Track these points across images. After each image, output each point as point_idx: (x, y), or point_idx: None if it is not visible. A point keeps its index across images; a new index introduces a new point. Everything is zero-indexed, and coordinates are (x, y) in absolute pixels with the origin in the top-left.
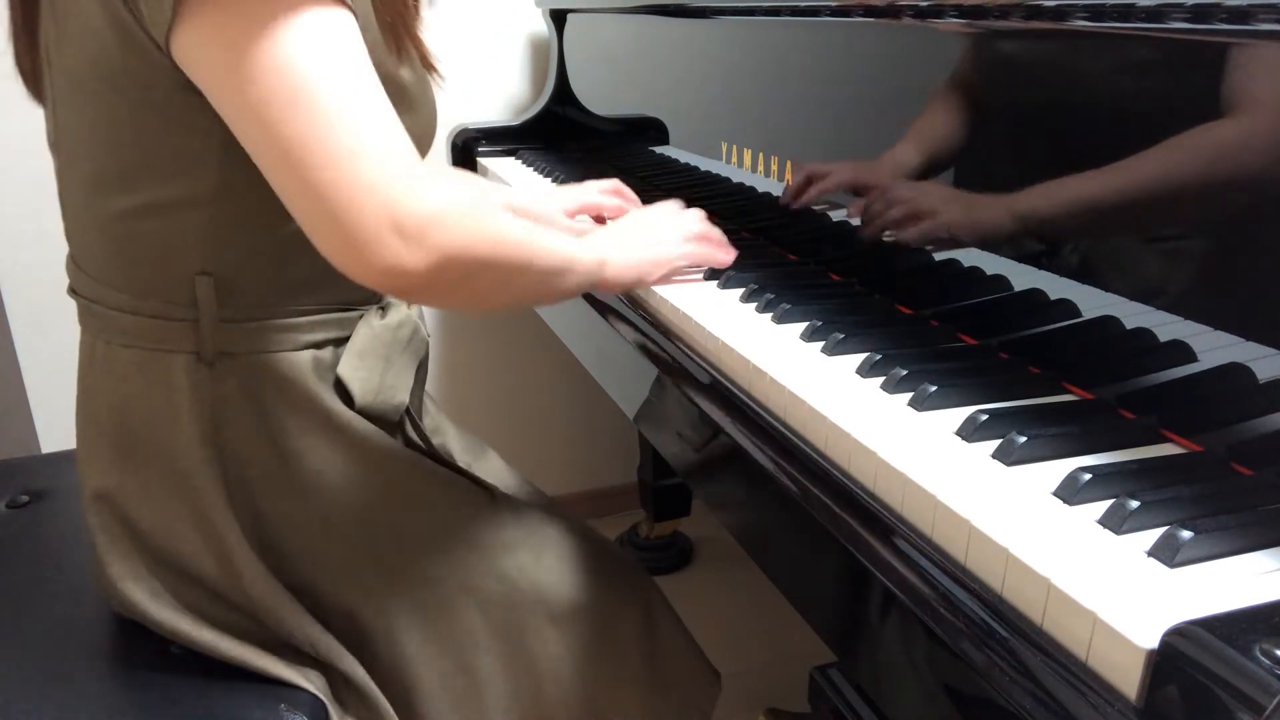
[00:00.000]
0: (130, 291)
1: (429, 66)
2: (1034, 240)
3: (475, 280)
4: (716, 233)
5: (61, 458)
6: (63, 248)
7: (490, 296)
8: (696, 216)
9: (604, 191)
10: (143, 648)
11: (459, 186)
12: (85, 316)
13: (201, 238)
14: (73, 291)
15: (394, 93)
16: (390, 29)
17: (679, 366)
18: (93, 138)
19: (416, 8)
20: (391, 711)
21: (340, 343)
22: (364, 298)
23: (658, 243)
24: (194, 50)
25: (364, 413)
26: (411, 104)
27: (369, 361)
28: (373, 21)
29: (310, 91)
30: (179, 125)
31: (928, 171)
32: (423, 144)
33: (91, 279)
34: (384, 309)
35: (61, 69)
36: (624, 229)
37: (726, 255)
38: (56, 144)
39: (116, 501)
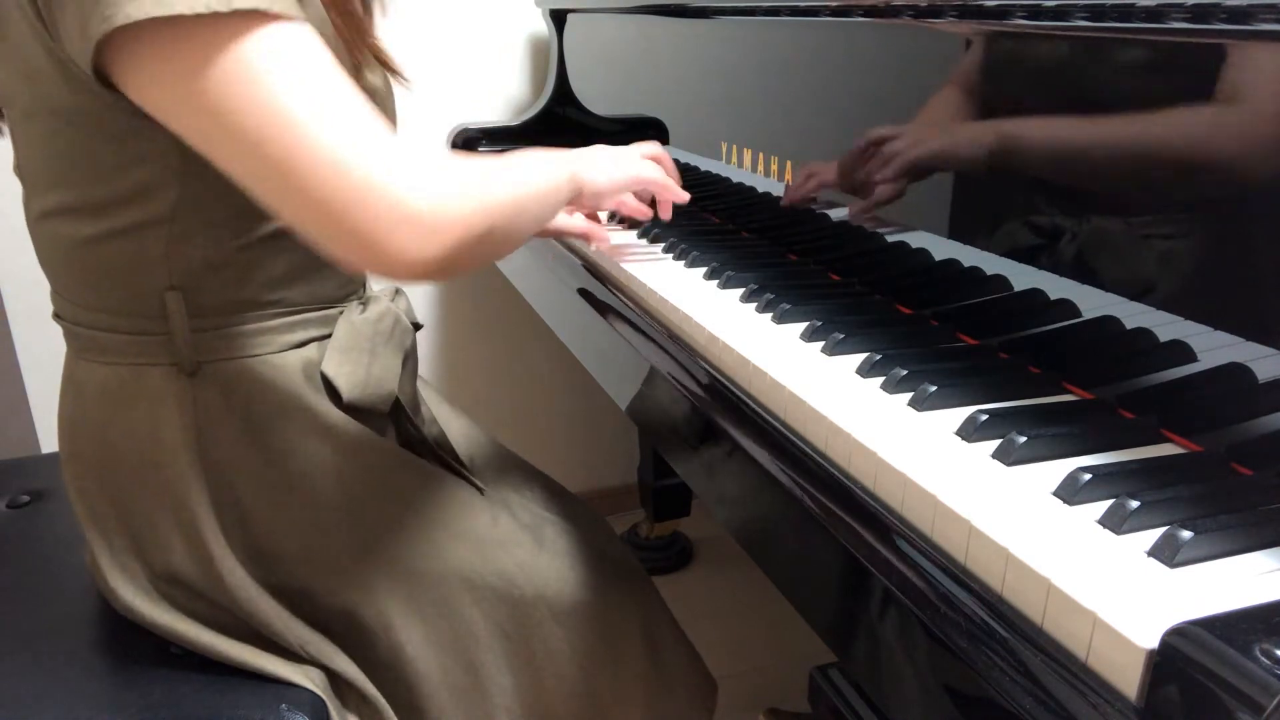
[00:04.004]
0: (105, 311)
1: (391, 70)
2: (1032, 239)
3: (484, 245)
4: (669, 161)
5: None
6: None
7: (498, 250)
8: (653, 145)
9: (644, 155)
10: (143, 648)
11: (448, 161)
12: (69, 339)
13: (165, 254)
14: (57, 317)
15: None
16: (345, 40)
17: (679, 366)
18: (53, 171)
19: (369, 13)
20: (390, 710)
21: (325, 340)
22: (342, 294)
23: (619, 155)
24: (143, 87)
25: (353, 408)
26: (377, 100)
27: (353, 356)
28: (329, 33)
29: (286, 108)
30: (133, 152)
31: (929, 170)
32: None
33: (69, 302)
34: (364, 303)
35: (17, 106)
36: (587, 149)
37: (680, 194)
38: (20, 173)
39: (106, 513)
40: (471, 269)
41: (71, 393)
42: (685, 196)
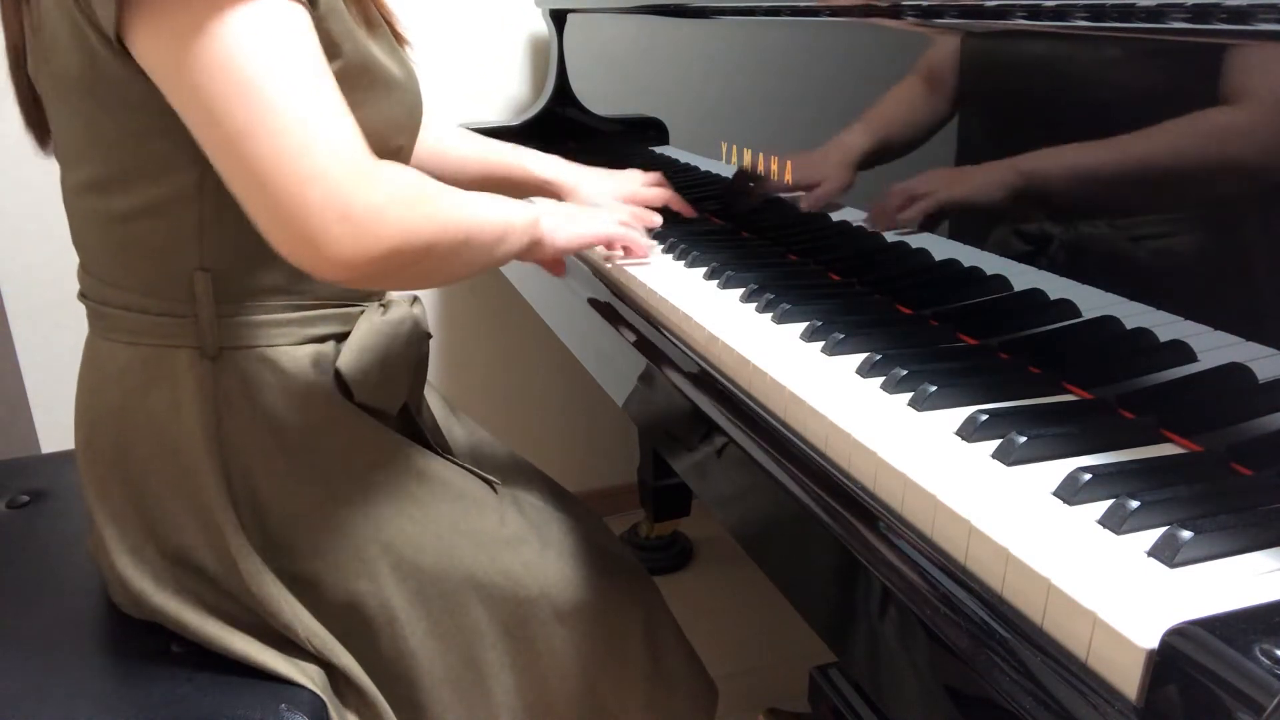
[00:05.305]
0: (134, 290)
1: (398, 37)
2: (1032, 240)
3: (421, 263)
4: (648, 220)
5: (61, 458)
6: (63, 247)
7: (434, 275)
8: (627, 212)
9: (647, 184)
10: (143, 647)
11: (403, 172)
12: (93, 319)
13: (195, 234)
14: (82, 296)
15: (376, 76)
16: (357, 3)
17: (678, 366)
18: (85, 146)
19: None
20: (389, 709)
21: (342, 338)
22: (365, 293)
23: (590, 216)
24: (144, 45)
25: (363, 407)
26: (396, 83)
27: (368, 356)
28: (339, 4)
29: (255, 85)
30: (157, 126)
31: (930, 170)
32: (412, 120)
33: (97, 281)
34: (385, 305)
35: (50, 86)
36: (562, 205)
37: (645, 244)
38: (58, 154)
39: (119, 496)
40: (401, 284)
41: (91, 374)
42: (647, 250)
